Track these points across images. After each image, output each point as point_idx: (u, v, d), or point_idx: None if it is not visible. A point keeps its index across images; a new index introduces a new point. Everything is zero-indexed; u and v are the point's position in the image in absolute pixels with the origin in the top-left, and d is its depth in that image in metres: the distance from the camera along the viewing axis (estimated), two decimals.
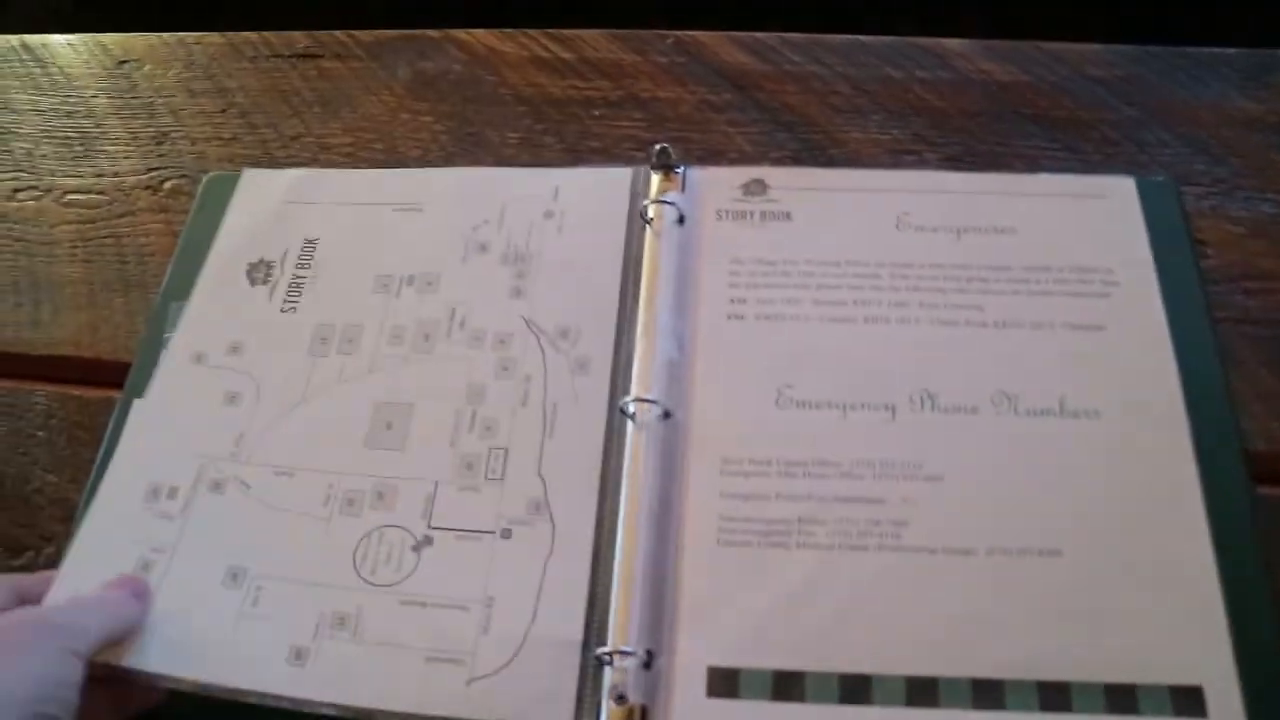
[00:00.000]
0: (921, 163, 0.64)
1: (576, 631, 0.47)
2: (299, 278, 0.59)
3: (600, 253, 0.58)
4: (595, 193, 0.60)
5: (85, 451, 0.58)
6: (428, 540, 0.50)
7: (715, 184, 0.60)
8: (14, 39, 0.79)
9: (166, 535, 0.51)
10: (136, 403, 0.55)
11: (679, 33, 0.71)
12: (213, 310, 0.59)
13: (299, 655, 0.48)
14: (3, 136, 0.73)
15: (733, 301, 0.55)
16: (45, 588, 0.48)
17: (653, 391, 0.52)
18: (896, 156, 0.64)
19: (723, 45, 0.71)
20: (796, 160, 0.65)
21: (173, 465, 0.53)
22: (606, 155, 0.65)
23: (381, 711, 0.46)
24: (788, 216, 0.58)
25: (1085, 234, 0.56)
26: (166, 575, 0.50)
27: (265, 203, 0.63)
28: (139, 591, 0.48)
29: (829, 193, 0.59)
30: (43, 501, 0.57)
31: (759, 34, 0.71)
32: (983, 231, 0.57)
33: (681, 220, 0.58)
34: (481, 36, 0.73)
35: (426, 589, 0.49)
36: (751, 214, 0.58)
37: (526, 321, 0.56)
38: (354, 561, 0.50)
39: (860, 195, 0.59)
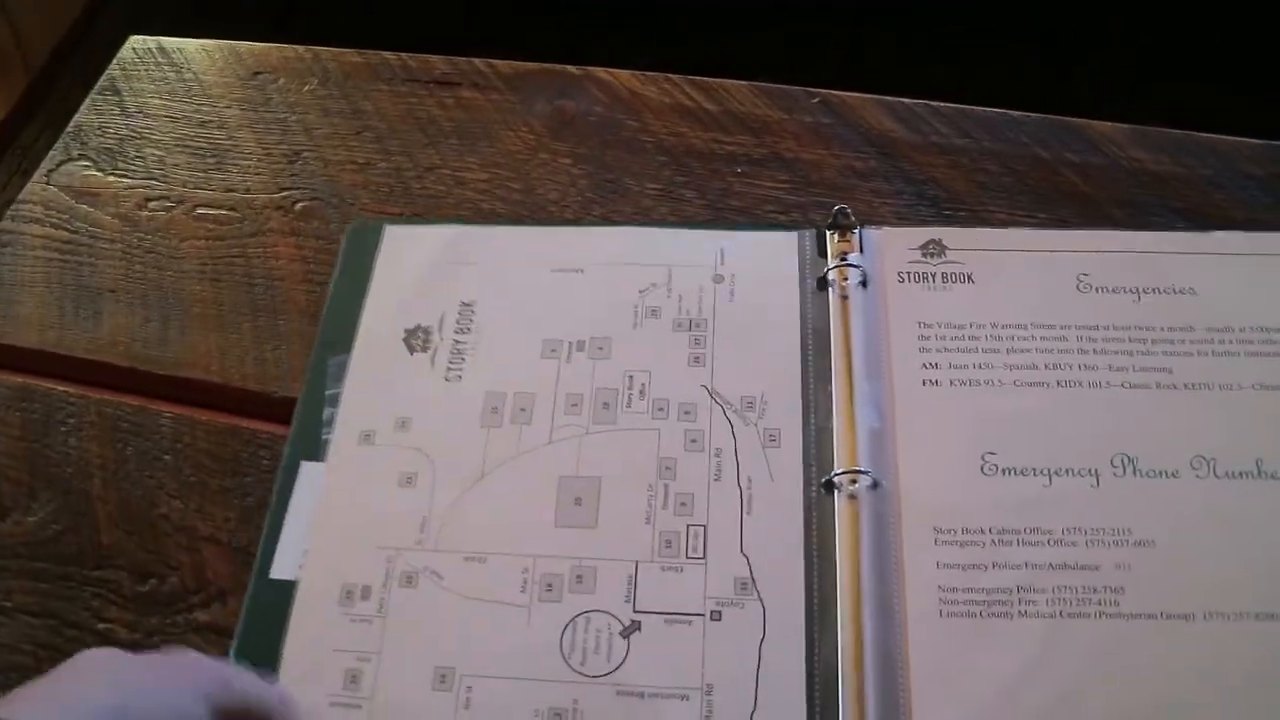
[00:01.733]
0: None
1: (800, 717, 0.46)
2: (460, 344, 0.58)
3: (777, 319, 0.58)
4: (763, 256, 0.60)
5: (212, 480, 0.58)
6: (636, 625, 0.49)
7: (892, 244, 0.60)
8: (151, 41, 0.78)
9: (369, 641, 0.50)
10: (305, 466, 0.55)
11: (826, 92, 0.70)
12: (373, 383, 0.57)
13: None
14: (136, 142, 0.72)
15: (925, 367, 0.55)
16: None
17: (861, 461, 0.52)
18: None
19: (869, 109, 0.69)
20: None
21: (361, 561, 0.52)
22: (748, 215, 0.64)
23: None
24: (969, 279, 0.58)
25: (1263, 292, 0.57)
26: (376, 685, 0.49)
27: (414, 262, 0.62)
28: (285, 699, 0.48)
29: (1008, 253, 0.60)
30: (169, 528, 0.56)
31: (907, 100, 0.70)
32: (1162, 292, 0.57)
33: (864, 283, 0.58)
34: (623, 78, 0.72)
35: (642, 678, 0.48)
36: (933, 276, 0.58)
37: (709, 391, 0.55)
38: (562, 651, 0.49)
39: (1038, 255, 0.59)
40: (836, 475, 0.52)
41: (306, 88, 0.74)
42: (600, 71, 0.73)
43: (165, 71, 0.76)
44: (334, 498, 0.54)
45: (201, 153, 0.72)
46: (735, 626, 0.49)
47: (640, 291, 0.59)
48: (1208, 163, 0.66)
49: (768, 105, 0.70)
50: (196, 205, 0.69)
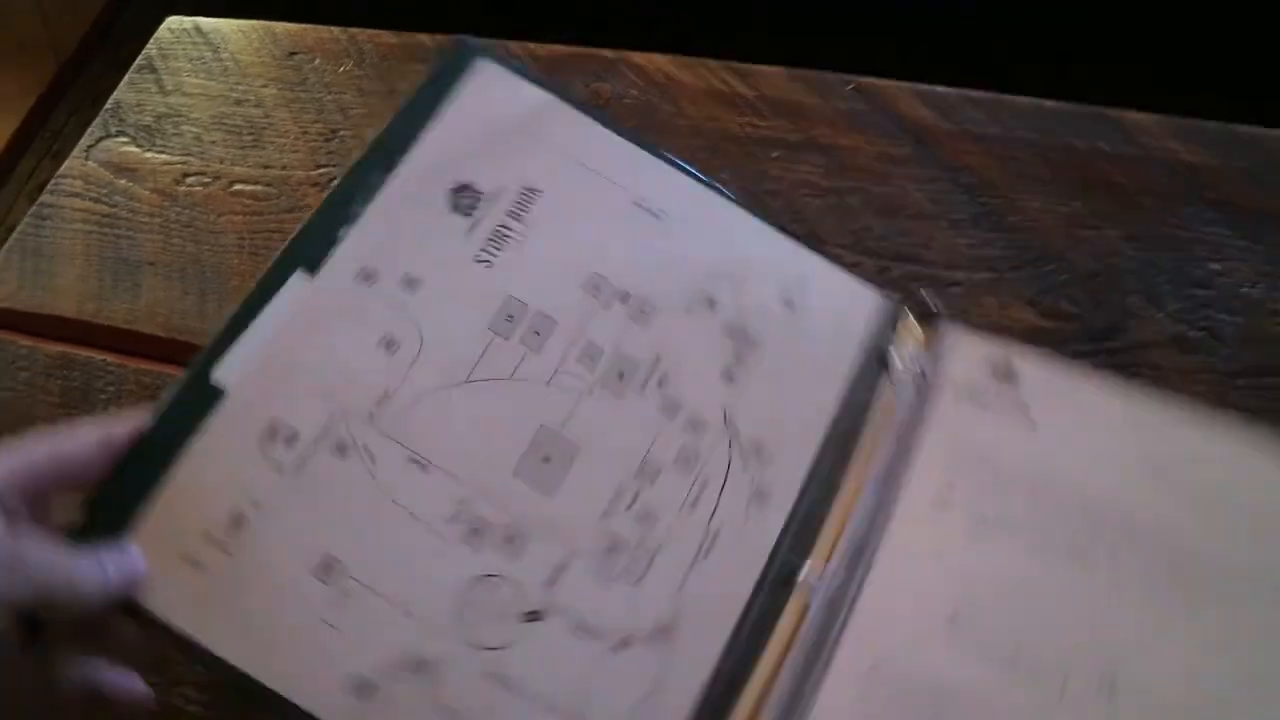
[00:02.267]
0: (1101, 239, 0.62)
1: None
2: (506, 228, 0.51)
3: (823, 373, 0.51)
4: (834, 299, 0.54)
5: None
6: (539, 615, 0.44)
7: (963, 351, 0.53)
8: (188, 21, 0.79)
9: (269, 492, 0.44)
10: (297, 275, 0.49)
11: (861, 78, 0.70)
12: (399, 222, 0.50)
13: (361, 690, 0.42)
14: (173, 119, 0.73)
15: (940, 497, 0.49)
16: (89, 448, 0.43)
17: (833, 566, 0.47)
18: (1073, 230, 0.63)
19: (904, 97, 0.69)
20: (974, 222, 0.63)
21: (300, 404, 0.46)
22: (784, 199, 0.65)
23: None
24: (1032, 424, 0.51)
25: None
26: (256, 539, 0.43)
27: (496, 113, 0.53)
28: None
29: (1085, 410, 0.51)
30: None
31: (941, 88, 0.70)
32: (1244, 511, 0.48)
33: (920, 387, 0.53)
34: (659, 62, 0.73)
35: (521, 671, 0.43)
36: (992, 405, 0.51)
37: (726, 415, 0.49)
38: (458, 604, 0.44)
39: (1115, 419, 0.51)
40: (802, 571, 0.47)
41: (342, 69, 0.75)
42: (636, 55, 0.73)
43: (202, 51, 0.77)
44: (304, 320, 0.48)
45: (238, 130, 0.72)
46: (633, 667, 0.44)
47: (708, 274, 0.52)
48: (1243, 155, 0.66)
49: (803, 91, 0.70)
50: (234, 181, 0.69)
